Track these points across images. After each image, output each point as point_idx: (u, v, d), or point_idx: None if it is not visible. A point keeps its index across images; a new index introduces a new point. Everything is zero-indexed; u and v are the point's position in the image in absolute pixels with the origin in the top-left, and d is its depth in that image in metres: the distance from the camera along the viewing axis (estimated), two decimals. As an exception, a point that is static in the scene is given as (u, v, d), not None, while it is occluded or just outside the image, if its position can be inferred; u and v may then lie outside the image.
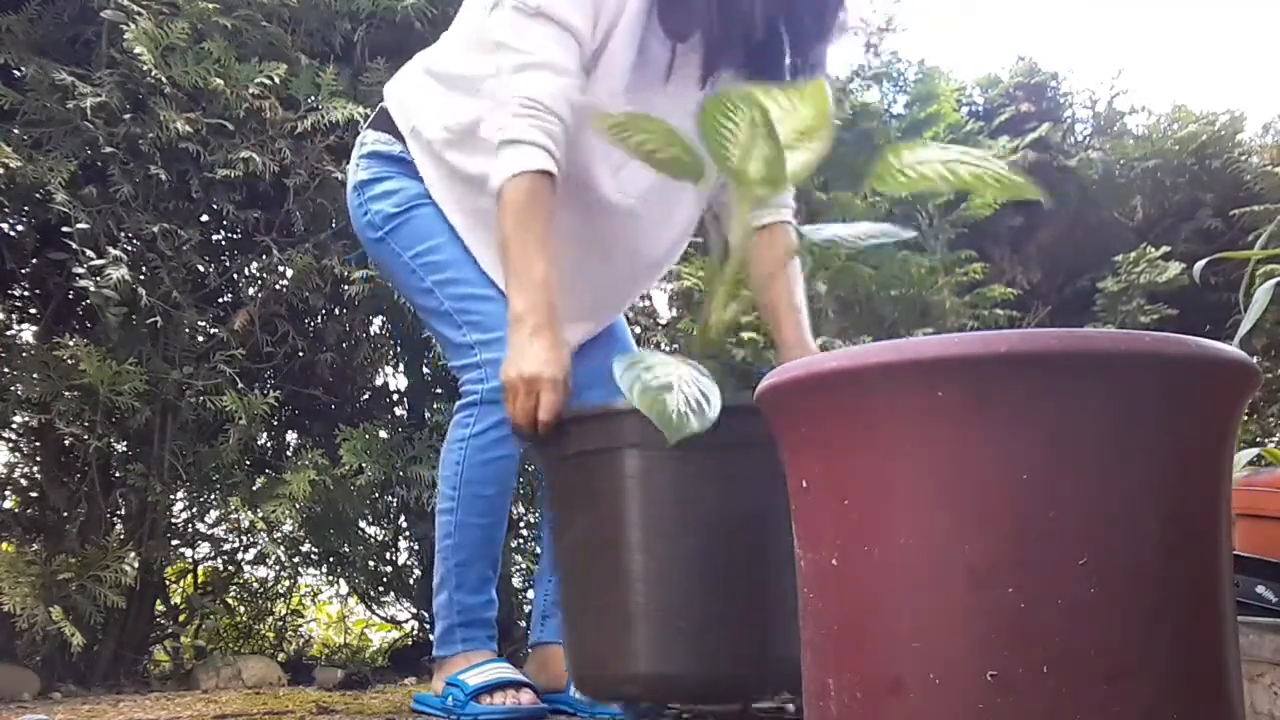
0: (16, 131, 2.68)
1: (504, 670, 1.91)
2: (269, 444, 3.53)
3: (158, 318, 2.81)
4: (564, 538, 1.35)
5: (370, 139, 1.98)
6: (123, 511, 3.08)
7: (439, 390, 3.73)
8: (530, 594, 3.93)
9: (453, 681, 1.89)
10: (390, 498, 3.37)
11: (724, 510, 1.19)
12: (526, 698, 1.86)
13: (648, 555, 1.18)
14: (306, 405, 3.54)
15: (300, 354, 3.34)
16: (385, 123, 1.98)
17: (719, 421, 1.15)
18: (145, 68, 2.67)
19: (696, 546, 1.18)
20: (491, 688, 1.85)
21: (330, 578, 3.82)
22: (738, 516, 1.18)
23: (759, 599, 1.18)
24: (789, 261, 1.85)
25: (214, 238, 3.36)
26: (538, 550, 3.74)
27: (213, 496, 3.24)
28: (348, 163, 3.20)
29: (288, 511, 2.96)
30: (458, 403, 1.96)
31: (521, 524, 3.76)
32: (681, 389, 1.14)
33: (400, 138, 1.93)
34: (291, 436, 3.66)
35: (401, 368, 3.92)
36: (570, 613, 1.37)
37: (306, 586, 3.96)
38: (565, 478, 1.34)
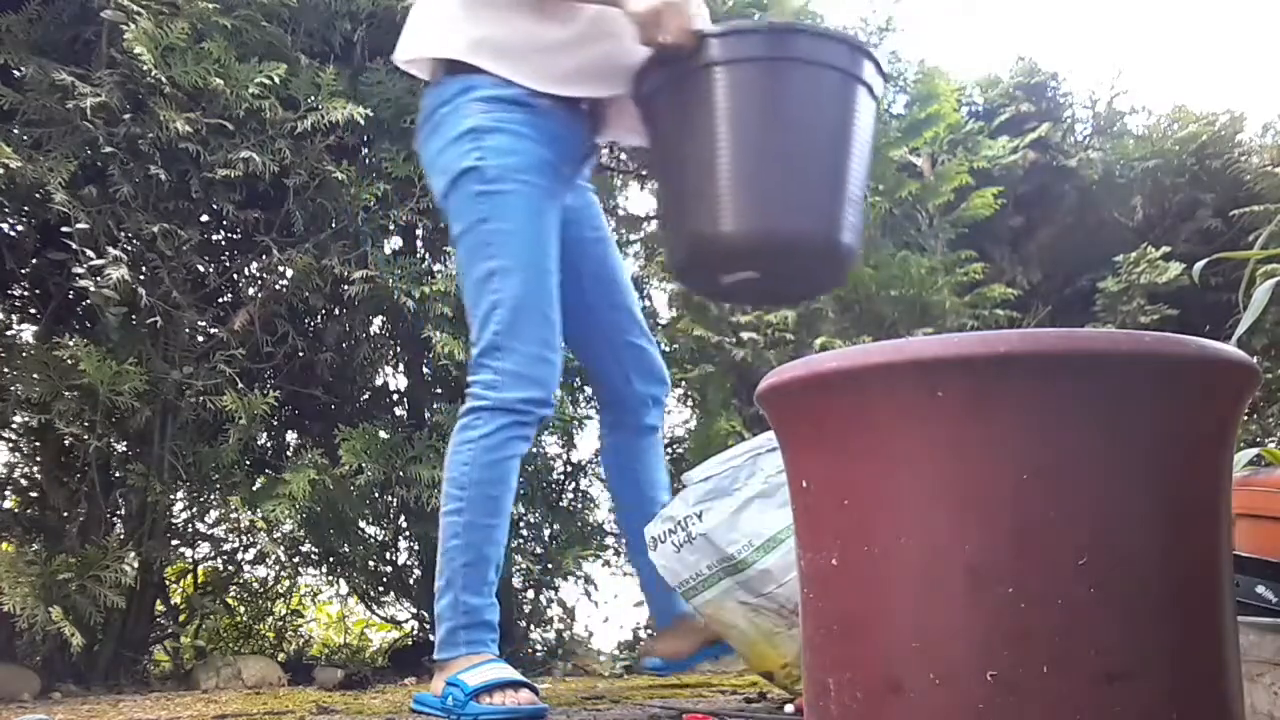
0: (16, 131, 2.68)
1: (503, 670, 1.91)
2: (269, 444, 3.54)
3: (158, 318, 2.81)
4: (680, 146, 1.64)
5: (478, 83, 1.89)
6: (123, 511, 3.09)
7: (439, 390, 3.73)
8: (530, 594, 3.94)
9: (453, 681, 1.89)
10: (390, 498, 3.37)
11: (797, 113, 1.55)
12: (525, 697, 1.87)
13: (736, 143, 1.53)
14: (306, 405, 3.54)
15: (300, 354, 3.34)
16: (472, 65, 1.88)
17: (801, 42, 1.57)
18: (145, 68, 2.67)
19: (770, 138, 1.54)
20: (491, 687, 1.85)
21: (330, 578, 3.82)
22: (807, 118, 1.55)
23: (824, 184, 1.56)
24: None
25: (214, 238, 3.36)
26: (538, 550, 3.74)
27: (213, 496, 3.24)
28: (347, 163, 3.23)
29: (287, 511, 2.96)
30: (464, 407, 1.96)
31: (521, 524, 3.76)
32: None
33: (504, 80, 1.87)
34: (291, 436, 3.67)
35: (401, 368, 3.92)
36: (673, 209, 1.68)
37: (306, 586, 3.96)
38: (687, 88, 1.63)
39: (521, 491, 3.67)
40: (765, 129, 1.55)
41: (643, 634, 4.04)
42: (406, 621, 3.93)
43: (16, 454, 3.13)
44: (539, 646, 3.87)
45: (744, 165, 1.55)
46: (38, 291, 3.09)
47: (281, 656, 3.56)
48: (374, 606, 3.92)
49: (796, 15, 1.72)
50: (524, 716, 1.84)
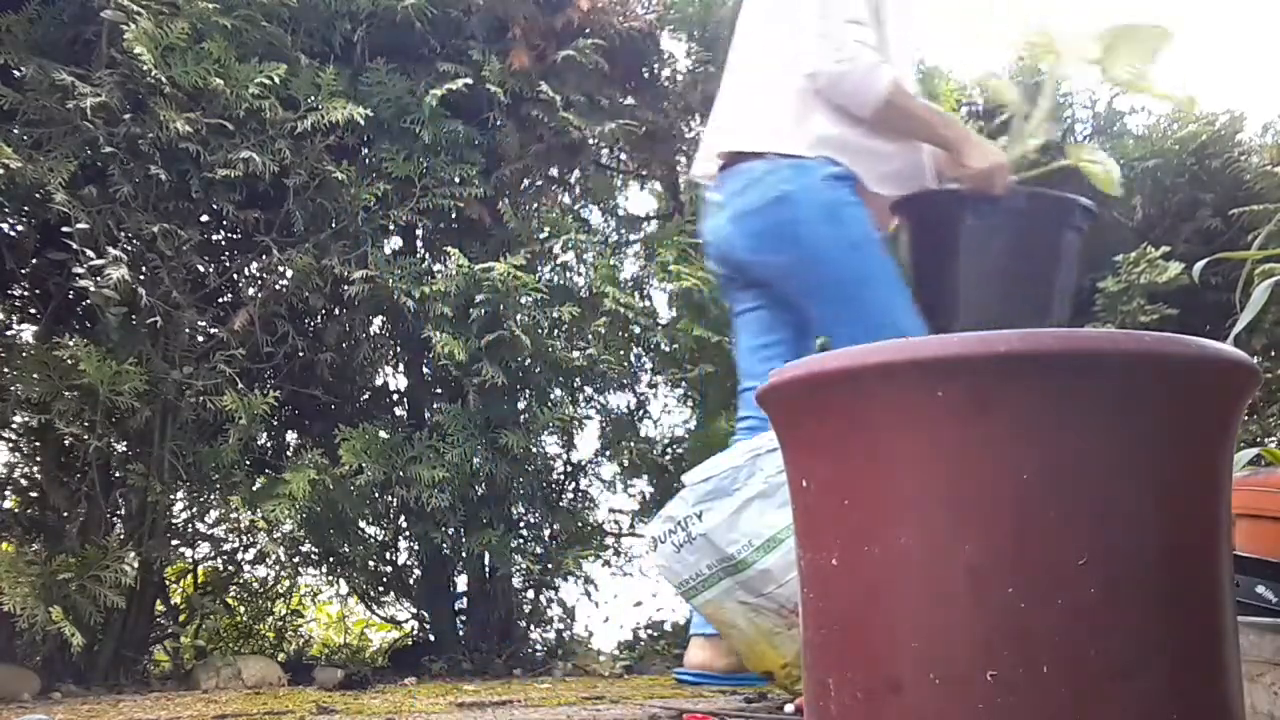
0: (16, 131, 2.68)
1: None
2: (269, 444, 3.53)
3: (158, 318, 2.81)
4: (951, 256, 2.09)
5: (814, 165, 2.13)
6: (123, 511, 3.09)
7: (439, 390, 3.73)
8: (530, 594, 3.94)
9: None
10: (390, 498, 3.37)
11: (1040, 252, 2.06)
12: None
13: (990, 268, 2.04)
14: (306, 405, 3.54)
15: (300, 354, 3.34)
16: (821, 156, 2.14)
17: (1035, 200, 2.08)
18: (145, 68, 2.67)
19: (1014, 267, 2.03)
20: None
21: (330, 578, 3.82)
22: (1033, 252, 2.04)
23: (1041, 301, 2.04)
24: None
25: (214, 238, 3.36)
26: (538, 550, 3.74)
27: (213, 496, 3.24)
28: (347, 163, 3.23)
29: (287, 511, 2.96)
30: None
31: (521, 524, 3.76)
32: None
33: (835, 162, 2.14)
34: (291, 436, 3.66)
35: (401, 368, 3.92)
36: (926, 300, 2.08)
37: (306, 586, 3.96)
38: (971, 219, 2.08)
39: (520, 491, 3.67)
40: (1012, 260, 2.05)
41: (643, 634, 4.04)
42: (406, 621, 3.93)
43: (16, 454, 3.14)
44: (539, 646, 3.87)
45: (989, 284, 2.04)
46: (38, 291, 3.09)
47: (281, 656, 3.56)
48: (374, 606, 3.92)
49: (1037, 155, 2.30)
50: None
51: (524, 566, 3.64)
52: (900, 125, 2.11)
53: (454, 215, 3.52)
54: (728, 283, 2.35)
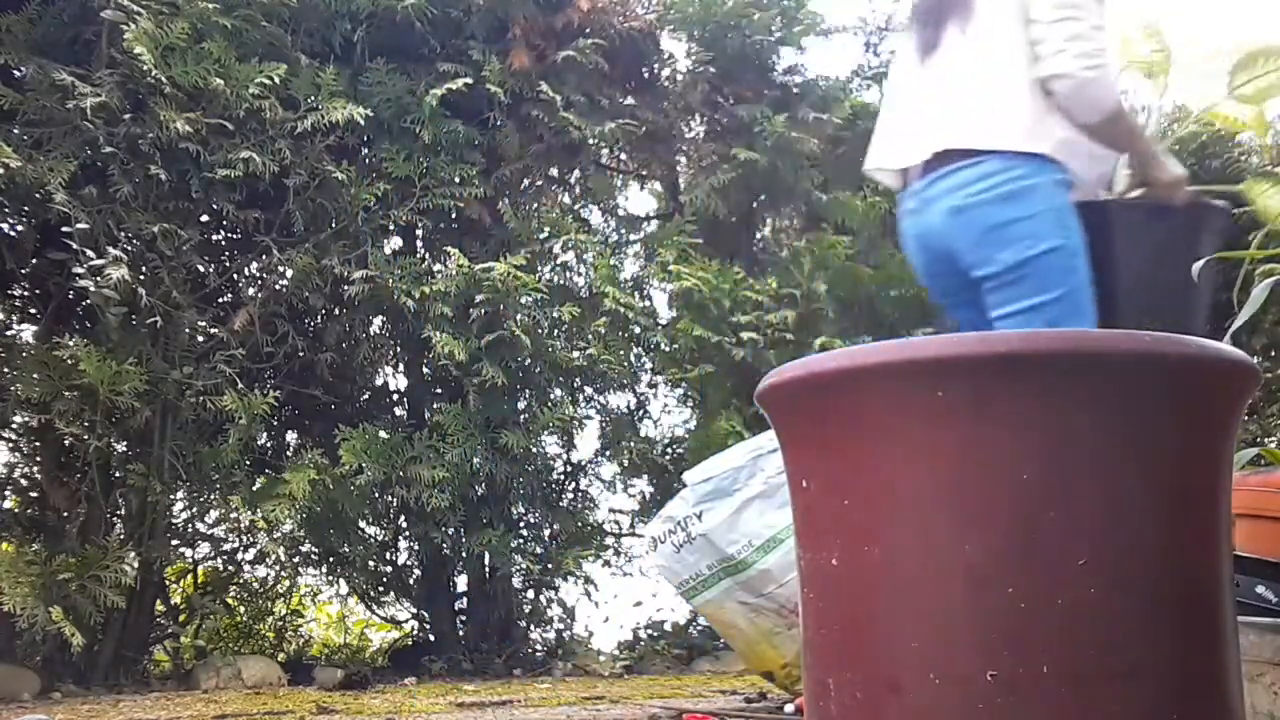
0: (16, 131, 2.68)
1: None
2: (269, 444, 3.54)
3: (158, 318, 2.81)
4: (1124, 253, 2.18)
5: (1048, 168, 2.14)
6: (123, 511, 3.09)
7: (439, 390, 3.73)
8: (530, 594, 3.94)
9: None
10: (390, 498, 3.37)
11: (1191, 250, 2.06)
12: None
13: (1128, 260, 2.12)
14: (306, 405, 3.54)
15: (300, 354, 3.34)
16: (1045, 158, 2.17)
17: (1202, 210, 2.14)
18: (145, 68, 2.67)
19: (1169, 265, 2.06)
20: None
21: (330, 578, 3.82)
22: (1195, 255, 2.05)
23: (1181, 293, 2.07)
24: None
25: (214, 238, 3.36)
26: (538, 550, 3.74)
27: (213, 496, 3.24)
28: (347, 163, 3.24)
29: (287, 511, 2.96)
30: None
31: (521, 524, 3.76)
32: None
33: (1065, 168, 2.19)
34: (291, 436, 3.67)
35: (401, 368, 3.92)
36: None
37: (306, 586, 3.96)
38: (1150, 221, 2.18)
39: (521, 491, 3.67)
40: (1176, 261, 2.10)
41: (643, 634, 4.04)
42: (406, 621, 3.93)
43: (16, 454, 3.14)
44: (539, 646, 3.87)
45: (1162, 288, 2.14)
46: (38, 291, 3.09)
47: (281, 656, 3.56)
48: (374, 606, 3.92)
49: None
50: None
51: (524, 566, 3.64)
52: (1116, 136, 2.15)
53: (454, 215, 3.52)
54: (934, 276, 2.34)
